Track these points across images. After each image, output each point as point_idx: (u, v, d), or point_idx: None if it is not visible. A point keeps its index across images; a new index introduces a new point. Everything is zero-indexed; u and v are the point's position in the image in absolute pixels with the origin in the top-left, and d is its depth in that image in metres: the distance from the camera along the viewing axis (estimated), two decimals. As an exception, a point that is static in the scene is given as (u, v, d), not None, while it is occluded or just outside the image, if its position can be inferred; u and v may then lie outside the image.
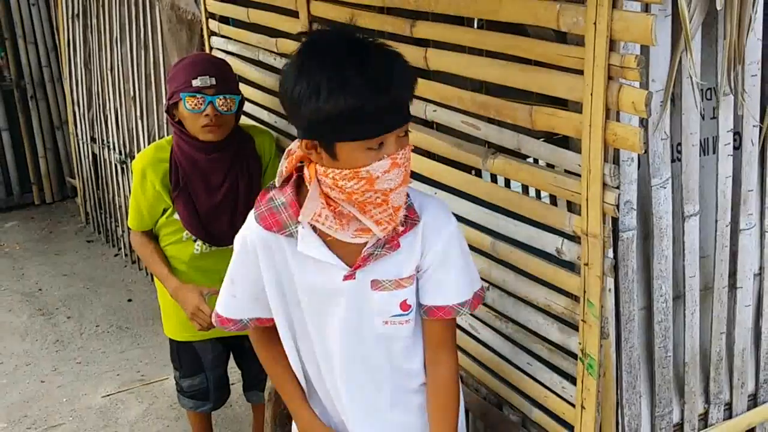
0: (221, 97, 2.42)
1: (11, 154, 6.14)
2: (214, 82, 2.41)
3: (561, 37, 1.60)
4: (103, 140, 5.14)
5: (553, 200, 3.37)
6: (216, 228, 2.54)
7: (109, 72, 4.89)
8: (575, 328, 1.70)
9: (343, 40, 1.41)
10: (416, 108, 2.06)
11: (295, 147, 1.55)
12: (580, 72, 1.50)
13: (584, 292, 1.63)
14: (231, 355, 2.90)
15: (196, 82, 2.39)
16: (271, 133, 2.82)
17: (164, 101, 2.54)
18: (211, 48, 3.43)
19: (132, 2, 4.40)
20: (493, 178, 3.25)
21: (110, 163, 5.05)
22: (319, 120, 1.38)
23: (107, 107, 4.99)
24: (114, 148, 4.95)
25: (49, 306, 4.70)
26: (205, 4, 3.37)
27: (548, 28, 1.59)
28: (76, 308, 4.64)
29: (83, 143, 5.53)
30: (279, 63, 2.83)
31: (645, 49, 1.54)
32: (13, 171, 6.18)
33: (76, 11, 5.25)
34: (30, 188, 6.25)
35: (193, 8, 3.69)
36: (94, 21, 4.99)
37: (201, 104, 2.40)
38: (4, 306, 4.72)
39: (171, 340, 2.81)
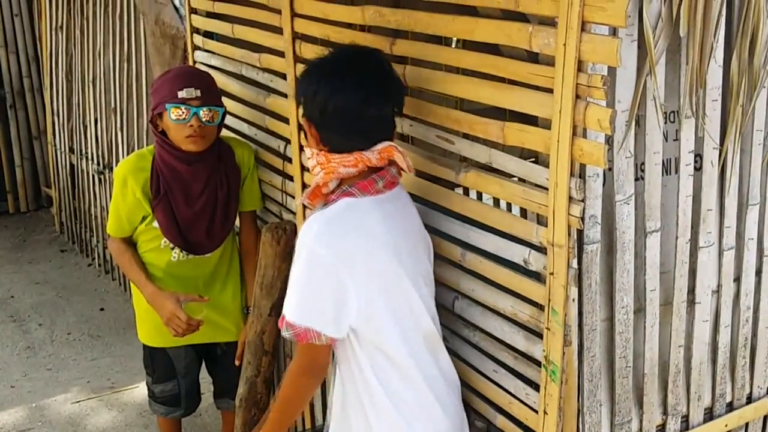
0: (206, 108, 2.49)
1: (-12, 162, 6.12)
2: (199, 93, 2.48)
3: (532, 57, 1.68)
4: (81, 151, 5.16)
5: (523, 214, 3.46)
6: (194, 237, 2.60)
7: (90, 83, 4.92)
8: (540, 335, 1.77)
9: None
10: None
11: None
12: (550, 90, 1.59)
13: (549, 300, 1.70)
14: (203, 363, 2.94)
15: (181, 94, 2.45)
16: (250, 145, 2.88)
17: (148, 112, 2.63)
18: (194, 62, 3.49)
19: (117, 16, 4.45)
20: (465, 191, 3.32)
21: (88, 173, 5.07)
22: None
23: (87, 118, 5.02)
24: (92, 159, 4.97)
25: (20, 313, 4.69)
26: (190, 20, 3.43)
27: (521, 49, 1.68)
28: (48, 316, 4.64)
29: (61, 153, 5.55)
30: (261, 77, 2.90)
31: (612, 72, 1.63)
32: (-11, 179, 6.16)
33: (59, 23, 5.29)
34: (5, 196, 6.23)
35: (177, 23, 3.75)
36: (77, 33, 5.03)
37: (186, 115, 2.46)
38: (-25, 313, 4.71)
39: (144, 346, 2.84)
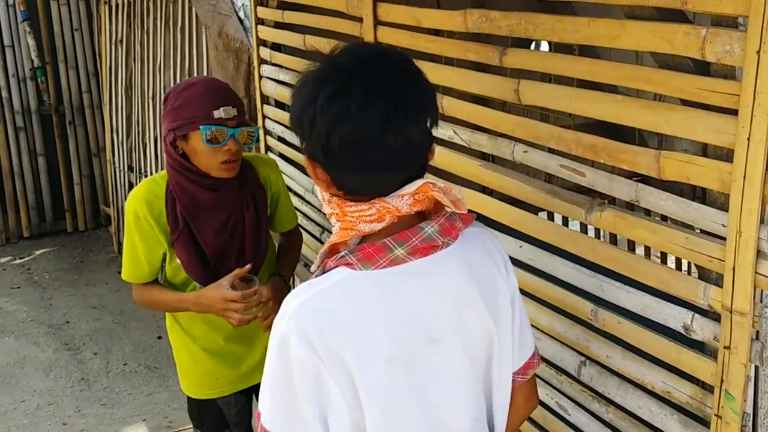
0: (243, 129, 2.12)
1: (46, 180, 5.99)
2: (235, 113, 2.10)
3: (700, 68, 1.32)
4: (140, 169, 4.96)
5: (678, 265, 3.16)
6: (223, 270, 2.20)
7: (150, 99, 4.71)
8: (704, 423, 1.40)
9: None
10: (503, 148, 1.79)
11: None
12: (733, 112, 1.22)
13: (722, 381, 1.33)
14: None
15: (218, 113, 2.07)
16: (274, 162, 2.50)
17: (166, 131, 2.15)
18: (260, 76, 3.22)
19: (178, 29, 4.24)
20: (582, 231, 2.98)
21: (147, 193, 4.86)
22: None
23: (146, 135, 4.81)
24: (151, 178, 4.76)
25: (75, 340, 4.48)
26: (256, 31, 3.16)
27: (684, 58, 1.32)
28: (104, 344, 4.42)
29: (120, 171, 5.36)
30: (337, 93, 2.59)
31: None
32: (47, 197, 6.03)
33: (119, 37, 5.11)
34: (63, 215, 6.08)
35: (241, 35, 3.50)
36: (137, 47, 4.84)
37: (222, 138, 2.08)
38: (30, 338, 4.51)
39: (190, 398, 2.49)
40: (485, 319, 1.30)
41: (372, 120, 1.17)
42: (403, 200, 1.22)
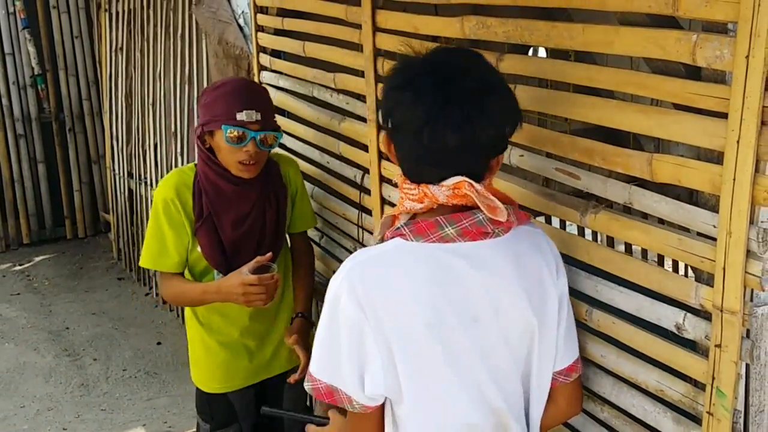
0: (264, 133, 2.22)
1: (46, 187, 6.02)
2: (259, 117, 2.21)
3: (691, 73, 1.35)
4: (140, 176, 4.98)
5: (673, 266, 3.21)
6: (239, 261, 2.28)
7: (150, 106, 4.74)
8: (696, 420, 1.42)
9: None
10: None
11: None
12: (722, 115, 1.25)
13: (713, 378, 1.35)
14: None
15: (240, 116, 2.18)
16: (296, 161, 2.61)
17: (196, 125, 2.29)
18: (260, 83, 3.25)
19: (178, 36, 4.27)
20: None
21: (147, 199, 4.87)
22: None
23: (146, 142, 4.84)
24: (151, 184, 4.78)
25: (75, 346, 4.49)
26: (256, 38, 3.19)
27: (675, 63, 1.35)
28: (104, 350, 4.43)
29: (120, 178, 5.38)
30: (336, 99, 2.62)
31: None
32: (47, 204, 6.05)
33: (119, 45, 5.14)
34: (63, 222, 6.10)
35: (241, 43, 3.52)
36: (137, 55, 4.87)
37: (243, 139, 2.20)
38: (30, 345, 4.53)
39: (200, 392, 2.56)
40: (526, 312, 1.39)
41: (414, 118, 1.32)
42: (441, 190, 1.35)
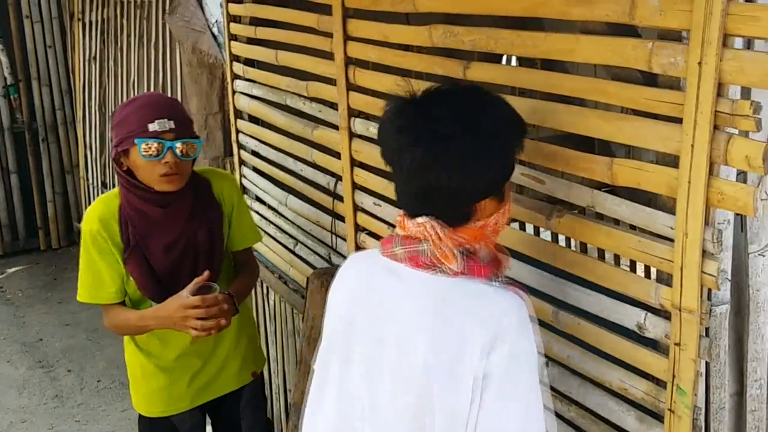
0: (181, 142, 2.09)
1: (18, 198, 5.97)
2: (173, 125, 2.08)
3: (648, 80, 1.39)
4: (114, 185, 4.95)
5: (633, 267, 3.25)
6: (177, 288, 2.16)
7: (124, 115, 4.73)
8: (659, 418, 1.46)
9: None
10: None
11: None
12: (677, 120, 1.29)
13: (673, 376, 1.39)
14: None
15: (153, 126, 2.06)
16: (232, 177, 2.49)
17: (110, 148, 2.19)
18: (234, 91, 3.27)
19: (152, 45, 4.27)
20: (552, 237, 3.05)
21: (121, 209, 4.86)
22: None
23: (121, 151, 4.82)
24: (125, 194, 4.76)
25: (49, 358, 4.46)
26: (229, 47, 3.21)
27: (633, 70, 1.39)
28: (78, 361, 4.40)
29: (94, 188, 5.36)
30: (309, 107, 2.64)
31: (746, 93, 1.34)
32: (20, 214, 6.00)
33: (93, 54, 5.13)
34: (36, 233, 6.06)
35: (215, 51, 3.54)
36: (111, 64, 4.87)
37: (159, 151, 2.07)
38: (3, 357, 4.49)
39: (142, 417, 2.42)
40: (417, 360, 1.31)
41: (386, 150, 1.38)
42: (412, 223, 1.35)
